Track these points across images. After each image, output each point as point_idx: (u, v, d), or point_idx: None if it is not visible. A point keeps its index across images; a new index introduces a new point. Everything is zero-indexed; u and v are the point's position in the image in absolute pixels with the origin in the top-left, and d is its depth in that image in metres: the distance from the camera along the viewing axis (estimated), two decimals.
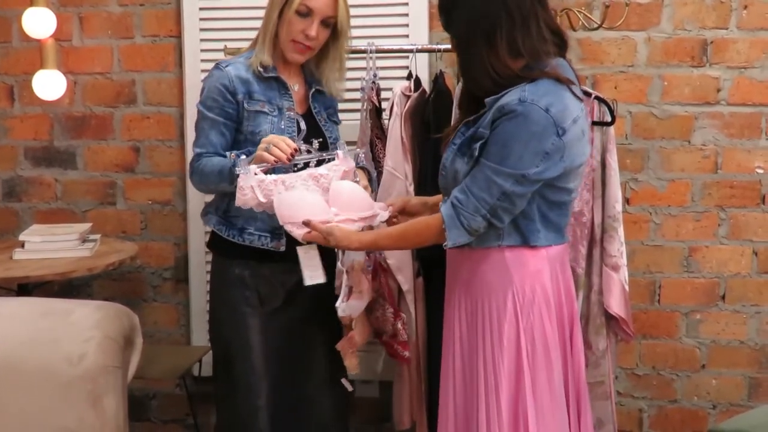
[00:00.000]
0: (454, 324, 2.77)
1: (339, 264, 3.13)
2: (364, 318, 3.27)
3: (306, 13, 3.07)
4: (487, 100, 2.57)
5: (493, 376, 2.63)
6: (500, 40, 2.53)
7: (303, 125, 3.14)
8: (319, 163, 2.98)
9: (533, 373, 2.64)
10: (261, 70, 3.14)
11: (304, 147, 2.98)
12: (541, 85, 2.53)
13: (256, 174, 2.85)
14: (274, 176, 2.89)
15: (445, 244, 2.61)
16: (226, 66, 3.16)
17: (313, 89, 3.28)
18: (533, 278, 2.66)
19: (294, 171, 2.95)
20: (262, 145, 2.90)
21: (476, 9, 2.56)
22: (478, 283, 2.69)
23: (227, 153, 3.04)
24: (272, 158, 2.85)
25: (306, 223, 2.78)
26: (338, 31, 3.18)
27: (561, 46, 2.68)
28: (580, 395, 2.80)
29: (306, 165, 2.97)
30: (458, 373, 2.75)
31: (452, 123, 2.87)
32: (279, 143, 2.87)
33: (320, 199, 2.86)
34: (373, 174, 3.40)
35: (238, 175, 2.86)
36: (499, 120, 2.51)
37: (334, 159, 2.98)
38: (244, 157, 2.87)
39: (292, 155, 2.88)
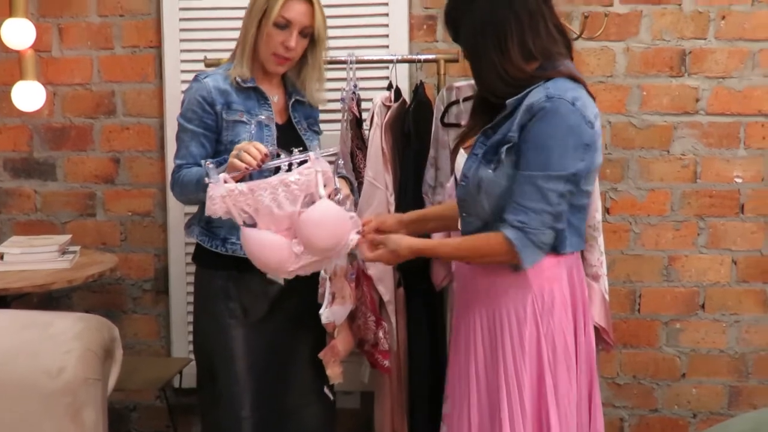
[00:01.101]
0: (470, 336, 2.74)
1: (322, 271, 3.12)
2: (347, 327, 3.26)
3: (284, 25, 3.08)
4: (508, 101, 2.55)
5: (516, 384, 2.61)
6: (512, 44, 2.53)
7: (273, 129, 3.14)
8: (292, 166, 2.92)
9: (555, 378, 2.64)
10: (239, 81, 3.14)
11: (283, 153, 2.93)
12: (560, 82, 2.52)
13: (226, 182, 2.80)
14: (243, 185, 2.83)
15: (523, 266, 2.54)
16: (205, 77, 3.16)
17: (293, 99, 3.28)
18: (551, 284, 2.64)
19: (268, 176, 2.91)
20: (233, 152, 2.87)
21: (483, 16, 2.55)
22: (497, 292, 2.66)
23: (203, 162, 3.00)
24: (243, 165, 2.82)
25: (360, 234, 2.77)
26: (316, 39, 3.19)
27: (568, 47, 2.67)
28: (593, 395, 2.81)
29: (289, 167, 2.91)
30: (474, 383, 2.72)
31: (462, 131, 2.83)
32: (249, 149, 2.83)
33: (281, 240, 2.79)
34: (354, 183, 3.40)
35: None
36: (530, 122, 2.47)
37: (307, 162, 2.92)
38: (211, 165, 2.81)
39: (263, 160, 2.84)
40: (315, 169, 2.83)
